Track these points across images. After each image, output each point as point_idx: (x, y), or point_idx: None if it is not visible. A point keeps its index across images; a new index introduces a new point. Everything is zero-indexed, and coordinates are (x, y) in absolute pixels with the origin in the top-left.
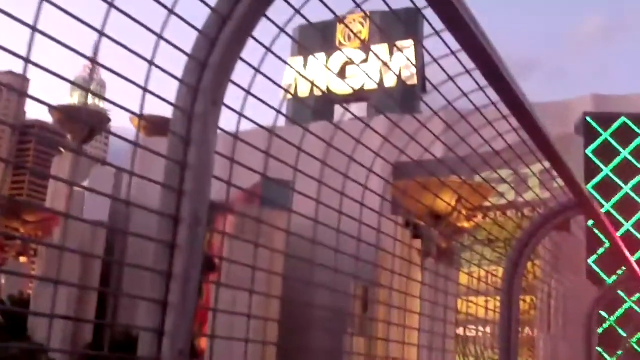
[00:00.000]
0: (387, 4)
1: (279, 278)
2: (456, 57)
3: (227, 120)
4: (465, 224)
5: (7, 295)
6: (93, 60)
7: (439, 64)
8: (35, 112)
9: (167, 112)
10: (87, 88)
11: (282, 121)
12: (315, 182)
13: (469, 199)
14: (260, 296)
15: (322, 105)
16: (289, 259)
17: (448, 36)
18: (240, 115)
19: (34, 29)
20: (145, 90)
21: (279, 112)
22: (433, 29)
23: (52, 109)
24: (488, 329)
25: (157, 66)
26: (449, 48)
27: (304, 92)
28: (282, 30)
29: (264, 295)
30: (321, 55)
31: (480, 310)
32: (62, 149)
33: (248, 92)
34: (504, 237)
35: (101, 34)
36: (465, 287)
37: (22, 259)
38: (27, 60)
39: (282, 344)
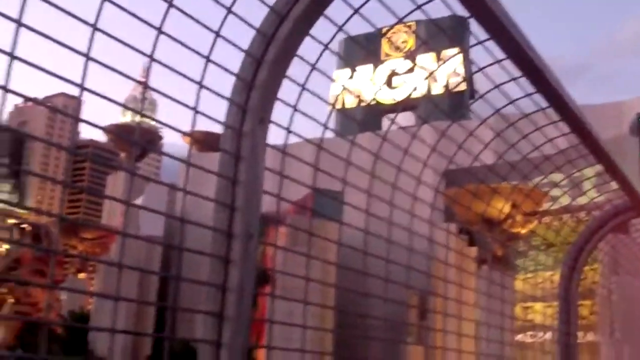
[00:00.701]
0: (430, 17)
1: (333, 289)
2: (502, 65)
3: (276, 135)
4: (520, 230)
5: (67, 310)
6: (145, 84)
7: (484, 74)
8: (89, 131)
9: (218, 127)
10: (139, 110)
11: (330, 133)
12: (365, 192)
13: (523, 205)
14: (315, 307)
15: (370, 116)
16: (341, 269)
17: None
18: (288, 131)
19: (87, 57)
20: (195, 110)
21: (325, 126)
22: (477, 40)
23: (105, 129)
24: (548, 335)
25: (206, 87)
26: (494, 57)
27: (351, 103)
28: (326, 47)
29: (318, 306)
30: (368, 67)
31: (539, 317)
32: (116, 166)
33: (295, 109)
34: (559, 241)
35: (152, 59)
36: (522, 293)
37: (81, 276)
38: (81, 87)
39: (338, 354)
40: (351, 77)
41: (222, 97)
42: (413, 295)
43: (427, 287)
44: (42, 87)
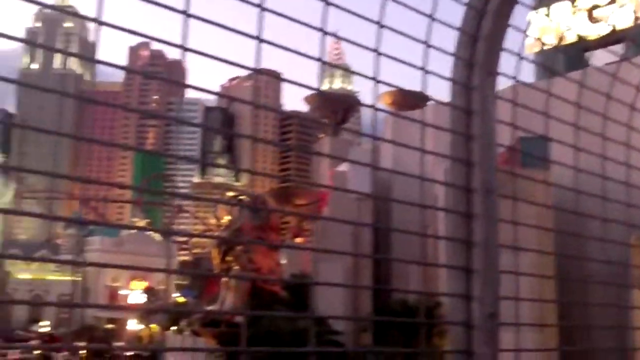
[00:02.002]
0: None
1: (550, 236)
2: None
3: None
4: None
5: (290, 274)
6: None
7: None
8: (291, 103)
9: (408, 85)
10: (343, 72)
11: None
12: (571, 134)
13: None
14: (533, 255)
15: (573, 53)
16: (557, 216)
17: None
18: (516, 80)
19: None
20: (424, 70)
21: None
22: None
23: (309, 95)
24: None
25: (433, 46)
26: None
27: (551, 43)
28: None
29: (536, 252)
30: (565, 4)
31: None
32: (320, 135)
33: (520, 57)
34: None
35: (380, 24)
36: None
37: (299, 240)
38: (288, 47)
39: (560, 300)
40: (547, 14)
41: (447, 53)
42: (635, 235)
43: None
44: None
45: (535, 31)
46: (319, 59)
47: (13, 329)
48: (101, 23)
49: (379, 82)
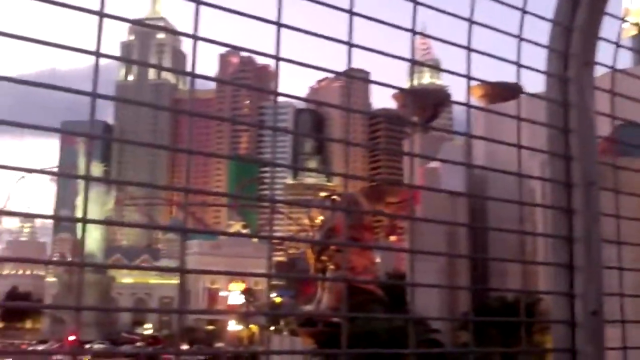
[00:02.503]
0: None
1: None
2: None
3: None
4: None
5: (384, 272)
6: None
7: None
8: (380, 100)
9: (499, 76)
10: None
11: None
12: None
13: None
14: (637, 250)
15: None
16: None
17: None
18: (614, 70)
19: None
20: (518, 65)
21: None
22: None
23: (397, 93)
24: None
25: (526, 39)
26: None
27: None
28: None
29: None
30: None
31: None
32: (409, 131)
33: (618, 45)
34: None
35: (471, 22)
36: None
37: (392, 238)
38: (371, 49)
39: None
40: None
41: (541, 45)
42: None
43: None
44: (332, 65)
45: (631, 15)
46: (409, 60)
47: (119, 331)
48: (195, 37)
49: (471, 78)
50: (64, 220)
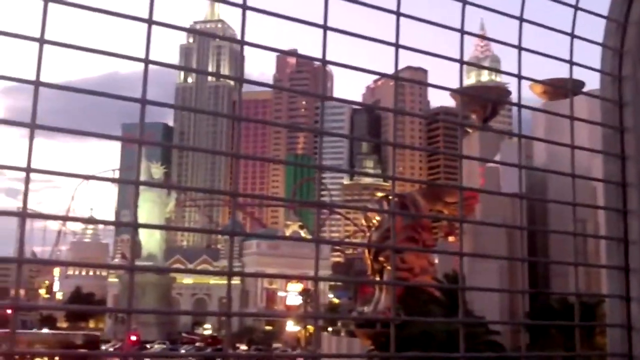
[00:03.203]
0: None
1: None
2: None
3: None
4: None
5: (442, 274)
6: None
7: None
8: (437, 99)
9: (558, 72)
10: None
11: None
12: None
13: None
14: None
15: None
16: None
17: None
18: None
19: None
20: (571, 63)
21: None
22: None
23: (454, 92)
24: None
25: (578, 37)
26: None
27: None
28: None
29: None
30: None
31: None
32: (469, 130)
33: None
34: None
35: (521, 20)
36: None
37: (451, 239)
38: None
39: None
40: None
41: (595, 42)
42: None
43: None
44: (387, 65)
45: None
46: (457, 60)
47: (179, 331)
48: (246, 44)
49: (522, 78)
50: (113, 225)
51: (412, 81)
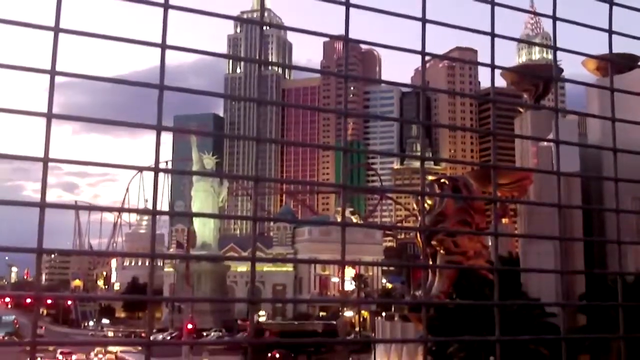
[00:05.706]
0: None
1: None
2: None
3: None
4: None
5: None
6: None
7: None
8: (488, 78)
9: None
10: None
11: None
12: None
13: None
14: None
15: None
16: None
17: None
18: None
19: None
20: (610, 32)
21: None
22: None
23: (507, 71)
24: None
25: (634, 8)
26: None
27: None
28: None
29: None
30: None
31: None
32: (521, 109)
33: None
34: None
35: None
36: None
37: (504, 221)
38: (479, 31)
39: None
40: None
41: (635, 9)
42: None
43: None
44: (438, 45)
45: None
46: (489, 33)
47: (235, 319)
48: (289, 29)
49: (558, 49)
50: (157, 214)
51: (464, 61)
